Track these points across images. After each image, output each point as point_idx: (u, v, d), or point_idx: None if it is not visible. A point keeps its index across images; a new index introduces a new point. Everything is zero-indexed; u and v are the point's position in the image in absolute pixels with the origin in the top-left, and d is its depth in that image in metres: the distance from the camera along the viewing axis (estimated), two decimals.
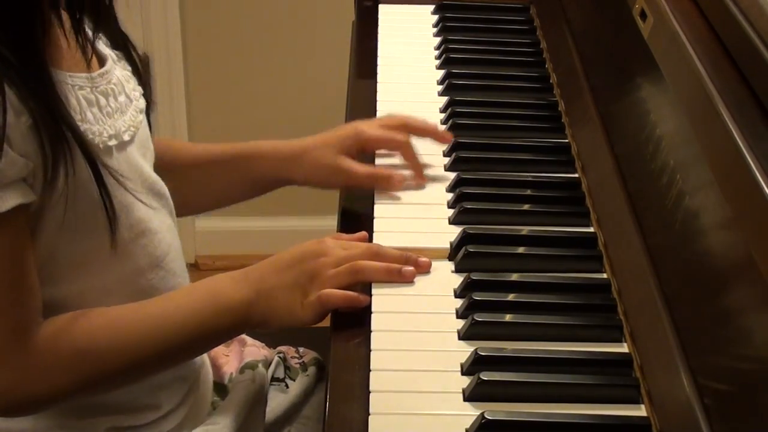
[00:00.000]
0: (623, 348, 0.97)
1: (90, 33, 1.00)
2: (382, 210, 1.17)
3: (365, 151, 1.24)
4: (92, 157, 0.97)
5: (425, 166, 1.24)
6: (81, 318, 1.00)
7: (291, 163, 1.23)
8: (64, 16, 0.97)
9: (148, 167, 1.10)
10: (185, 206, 1.23)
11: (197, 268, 2.56)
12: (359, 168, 1.21)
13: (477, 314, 0.98)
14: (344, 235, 1.10)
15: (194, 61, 2.53)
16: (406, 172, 1.22)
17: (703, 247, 0.89)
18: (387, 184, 1.19)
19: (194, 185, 1.24)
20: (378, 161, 1.26)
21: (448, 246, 1.10)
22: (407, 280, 1.04)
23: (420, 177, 1.22)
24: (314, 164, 1.21)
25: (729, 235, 0.84)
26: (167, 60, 2.52)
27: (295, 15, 2.48)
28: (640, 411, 0.90)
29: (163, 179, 1.12)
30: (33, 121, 0.92)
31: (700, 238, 0.90)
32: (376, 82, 1.44)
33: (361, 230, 1.12)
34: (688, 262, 0.91)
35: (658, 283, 0.94)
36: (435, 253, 1.08)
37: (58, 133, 0.94)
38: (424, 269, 1.06)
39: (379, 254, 1.05)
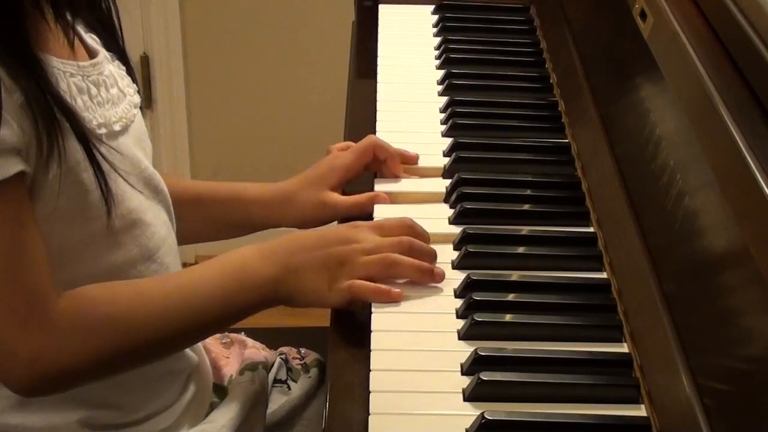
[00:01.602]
0: (623, 348, 0.97)
1: (70, 19, 1.01)
2: (381, 210, 1.17)
3: (349, 181, 1.24)
4: (84, 134, 0.98)
5: (403, 155, 1.25)
6: (103, 287, 1.01)
7: (280, 208, 1.24)
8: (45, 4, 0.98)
9: (145, 160, 1.10)
10: None
11: None
12: (343, 200, 1.22)
13: (477, 314, 0.98)
14: (381, 223, 1.09)
15: (194, 61, 2.53)
16: (387, 188, 1.22)
17: (703, 247, 0.89)
18: (373, 205, 1.19)
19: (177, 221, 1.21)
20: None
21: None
22: (437, 281, 1.04)
23: (396, 169, 1.23)
24: (305, 205, 1.23)
25: (729, 235, 0.84)
26: (167, 60, 2.52)
27: (295, 15, 2.49)
28: (640, 411, 0.90)
29: None
30: (25, 98, 0.93)
31: (700, 238, 0.90)
32: (376, 82, 1.44)
33: None
34: (688, 262, 0.91)
35: (658, 283, 0.94)
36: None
37: (49, 111, 0.95)
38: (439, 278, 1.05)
39: (412, 248, 1.05)
